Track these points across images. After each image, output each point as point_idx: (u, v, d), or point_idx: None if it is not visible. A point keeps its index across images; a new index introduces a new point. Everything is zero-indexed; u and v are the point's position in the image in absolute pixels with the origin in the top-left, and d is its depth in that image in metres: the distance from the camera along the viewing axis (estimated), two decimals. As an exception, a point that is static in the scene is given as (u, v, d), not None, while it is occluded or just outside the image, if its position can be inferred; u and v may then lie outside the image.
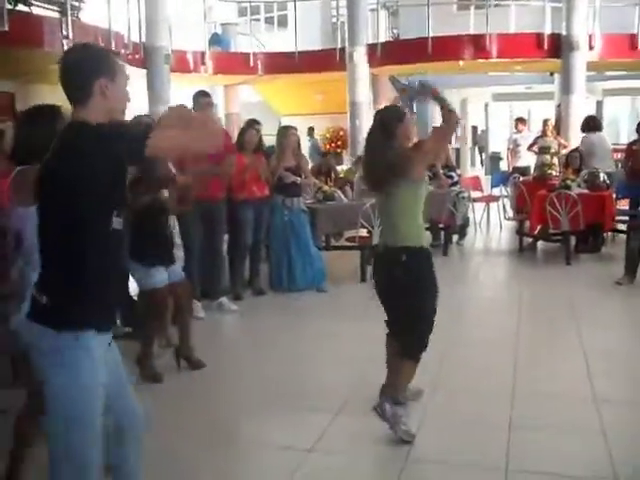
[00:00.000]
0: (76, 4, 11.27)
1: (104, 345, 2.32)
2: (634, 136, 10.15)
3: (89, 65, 2.31)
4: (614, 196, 9.18)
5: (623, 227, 9.09)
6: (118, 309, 5.60)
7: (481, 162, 22.99)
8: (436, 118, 18.29)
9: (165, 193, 4.83)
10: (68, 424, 2.22)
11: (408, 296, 3.71)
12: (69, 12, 10.29)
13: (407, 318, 3.76)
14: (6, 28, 9.08)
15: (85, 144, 2.17)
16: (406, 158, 3.71)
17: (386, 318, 3.89)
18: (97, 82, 2.28)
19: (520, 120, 12.98)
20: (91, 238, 2.22)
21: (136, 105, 11.78)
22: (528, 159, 12.29)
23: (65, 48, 10.06)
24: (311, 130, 17.51)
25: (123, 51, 12.03)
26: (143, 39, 13.18)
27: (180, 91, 14.03)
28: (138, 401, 2.55)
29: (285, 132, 7.32)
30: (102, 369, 2.27)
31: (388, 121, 3.80)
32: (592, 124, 10.49)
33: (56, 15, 10.42)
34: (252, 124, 7.11)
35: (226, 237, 7.17)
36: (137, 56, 12.88)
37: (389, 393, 3.80)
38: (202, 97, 6.40)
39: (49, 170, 2.22)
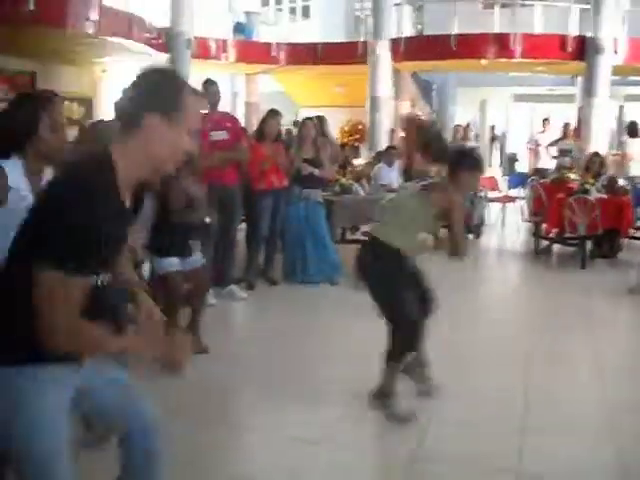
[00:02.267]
0: (102, -14, 11.26)
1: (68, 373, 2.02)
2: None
3: (147, 90, 1.88)
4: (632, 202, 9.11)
5: (640, 234, 9.04)
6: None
7: (500, 162, 22.87)
8: (457, 118, 18.23)
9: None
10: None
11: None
12: (94, -7, 10.30)
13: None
14: (31, 7, 9.11)
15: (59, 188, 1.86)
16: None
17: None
18: (147, 115, 1.84)
19: (546, 120, 12.94)
20: None
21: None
22: (548, 161, 12.23)
23: (89, 30, 10.09)
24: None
25: (147, 35, 12.07)
26: (166, 24, 13.20)
27: (201, 77, 14.06)
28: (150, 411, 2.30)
29: (304, 123, 7.31)
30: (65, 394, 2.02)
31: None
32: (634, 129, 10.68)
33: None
34: (273, 115, 7.09)
35: (244, 226, 7.18)
36: (160, 41, 12.90)
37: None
38: (212, 85, 6.48)
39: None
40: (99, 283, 1.95)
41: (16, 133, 2.78)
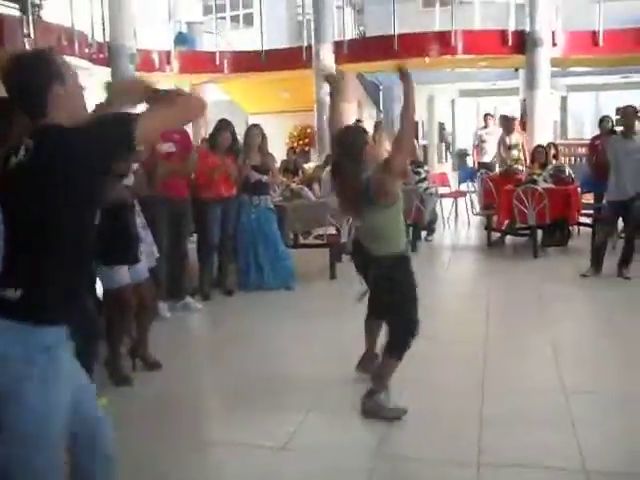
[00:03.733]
0: (37, 2, 11.09)
1: (70, 351, 2.22)
2: (597, 131, 10.31)
3: (41, 71, 2.16)
4: (579, 190, 9.28)
5: (588, 221, 9.21)
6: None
7: (446, 158, 23.10)
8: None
9: (128, 181, 4.74)
10: (35, 447, 2.06)
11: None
12: (30, 10, 10.13)
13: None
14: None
15: (72, 142, 2.07)
16: (382, 185, 3.75)
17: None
18: (51, 90, 2.15)
19: (488, 116, 13.08)
20: (73, 231, 2.15)
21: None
22: (493, 155, 12.36)
23: (27, 46, 9.93)
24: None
25: (87, 50, 11.91)
26: (107, 38, 13.03)
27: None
28: (104, 414, 2.41)
29: (250, 131, 7.28)
30: (69, 384, 2.16)
31: (355, 150, 3.85)
32: None
33: (17, 13, 10.24)
34: (227, 126, 7.03)
35: (195, 237, 7.13)
36: (101, 55, 12.74)
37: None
38: None
39: (29, 170, 2.10)
40: None
41: None
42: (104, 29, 13.03)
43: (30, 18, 10.16)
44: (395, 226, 3.94)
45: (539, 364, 4.85)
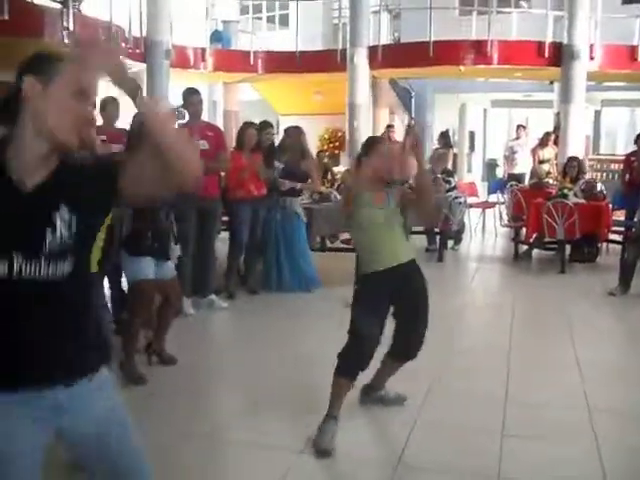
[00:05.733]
0: (78, -5, 11.19)
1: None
2: (632, 147, 10.19)
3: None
4: (610, 206, 9.19)
5: (618, 238, 9.11)
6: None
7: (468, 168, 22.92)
8: (436, 124, 18.34)
9: None
10: None
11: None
12: (70, 3, 10.23)
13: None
14: (6, 17, 9.03)
15: None
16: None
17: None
18: (25, 80, 1.72)
19: (520, 127, 13.02)
20: None
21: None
22: (523, 167, 12.31)
23: (65, 39, 10.04)
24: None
25: (124, 45, 11.99)
26: (144, 33, 13.12)
27: (179, 87, 13.99)
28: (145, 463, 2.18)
29: (286, 132, 7.34)
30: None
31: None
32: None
33: (57, 6, 10.35)
34: (251, 125, 7.08)
35: (225, 235, 7.17)
36: (137, 50, 12.83)
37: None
38: (194, 95, 6.35)
39: None
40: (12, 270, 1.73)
41: None
42: (141, 24, 13.11)
43: (70, 11, 10.26)
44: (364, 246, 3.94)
45: (563, 379, 4.80)
